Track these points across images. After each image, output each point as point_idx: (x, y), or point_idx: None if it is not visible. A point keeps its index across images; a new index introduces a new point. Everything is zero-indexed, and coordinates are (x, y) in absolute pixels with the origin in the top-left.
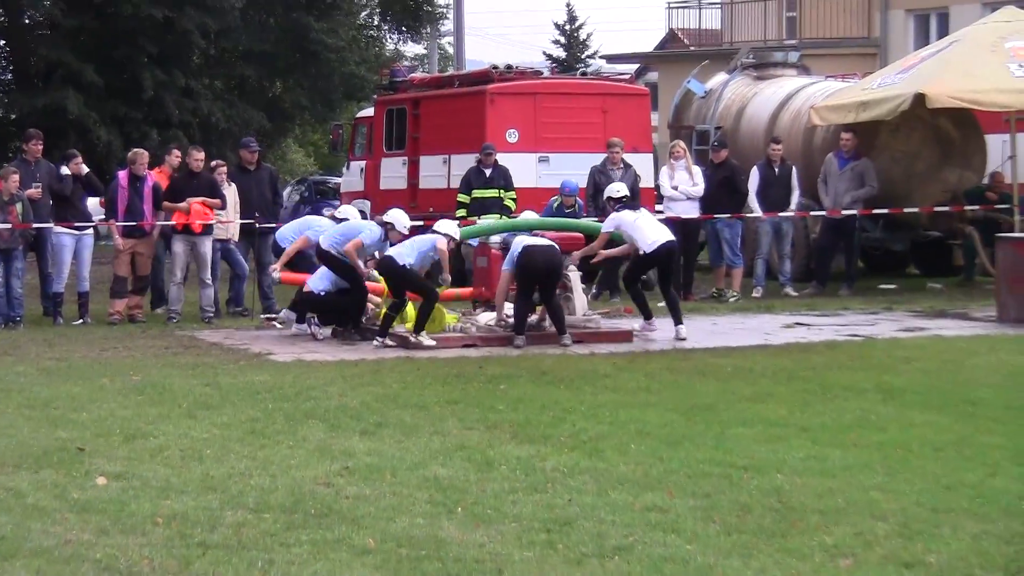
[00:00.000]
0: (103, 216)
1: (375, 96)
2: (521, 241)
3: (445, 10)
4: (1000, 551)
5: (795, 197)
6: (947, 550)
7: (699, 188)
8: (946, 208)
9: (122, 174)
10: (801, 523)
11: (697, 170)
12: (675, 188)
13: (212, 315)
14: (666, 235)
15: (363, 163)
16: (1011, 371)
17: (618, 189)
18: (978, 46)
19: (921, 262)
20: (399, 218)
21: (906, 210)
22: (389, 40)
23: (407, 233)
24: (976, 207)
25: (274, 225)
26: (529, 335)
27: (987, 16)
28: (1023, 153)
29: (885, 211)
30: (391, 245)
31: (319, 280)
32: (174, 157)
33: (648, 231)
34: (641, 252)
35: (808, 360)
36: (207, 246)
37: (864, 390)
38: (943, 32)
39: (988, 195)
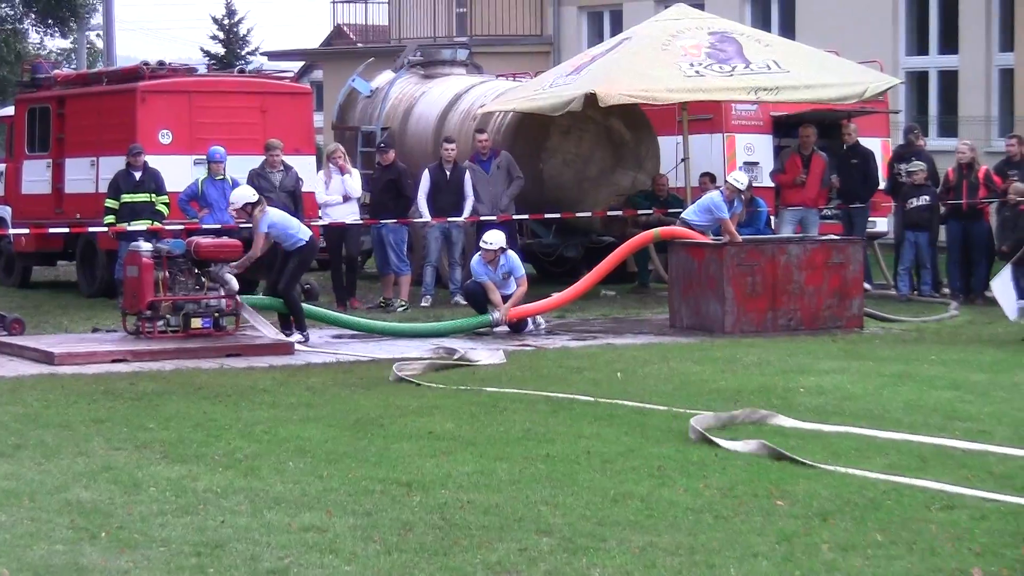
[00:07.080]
0: None
1: (15, 93)
2: None
3: (95, 2)
4: (665, 563)
5: (468, 203)
6: (612, 564)
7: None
8: (619, 212)
9: None
10: (464, 540)
11: (356, 172)
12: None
13: None
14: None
15: (2, 166)
16: (682, 380)
17: None
18: (649, 44)
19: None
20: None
21: (578, 215)
22: (34, 33)
23: None
24: (649, 211)
25: None
26: None
27: (659, 14)
28: (696, 155)
29: (557, 216)
30: None
31: None
32: None
33: None
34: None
35: (473, 371)
36: None
37: (533, 401)
38: (616, 30)
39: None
